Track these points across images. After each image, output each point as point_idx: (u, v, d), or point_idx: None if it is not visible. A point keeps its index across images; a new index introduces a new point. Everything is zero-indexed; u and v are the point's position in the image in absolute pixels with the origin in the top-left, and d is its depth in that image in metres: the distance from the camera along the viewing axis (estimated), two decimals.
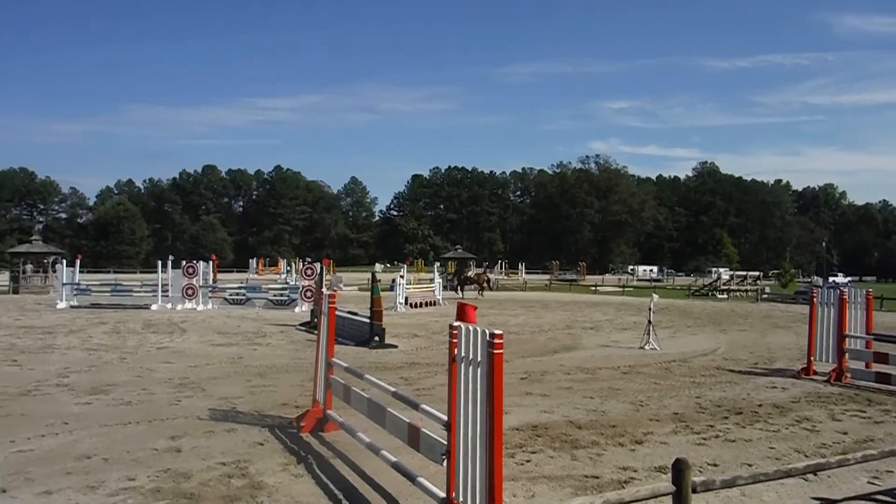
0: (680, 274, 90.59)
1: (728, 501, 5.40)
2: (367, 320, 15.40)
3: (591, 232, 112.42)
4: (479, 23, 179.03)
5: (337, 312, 7.96)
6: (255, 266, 67.78)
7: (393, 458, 5.50)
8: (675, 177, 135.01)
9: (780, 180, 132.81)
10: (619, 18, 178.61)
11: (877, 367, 10.86)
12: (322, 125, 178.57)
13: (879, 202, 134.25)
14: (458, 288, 35.48)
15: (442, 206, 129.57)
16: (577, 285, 55.36)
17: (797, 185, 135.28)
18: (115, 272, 70.35)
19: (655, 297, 16.61)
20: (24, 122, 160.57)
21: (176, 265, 26.14)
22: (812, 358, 11.68)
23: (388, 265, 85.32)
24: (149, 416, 7.96)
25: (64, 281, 26.62)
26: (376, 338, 14.95)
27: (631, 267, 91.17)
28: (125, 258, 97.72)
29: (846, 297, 11.43)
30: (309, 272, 25.31)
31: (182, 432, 7.24)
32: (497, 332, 4.11)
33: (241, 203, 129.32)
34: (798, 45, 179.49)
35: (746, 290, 44.17)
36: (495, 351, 4.07)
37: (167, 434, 7.16)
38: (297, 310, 24.12)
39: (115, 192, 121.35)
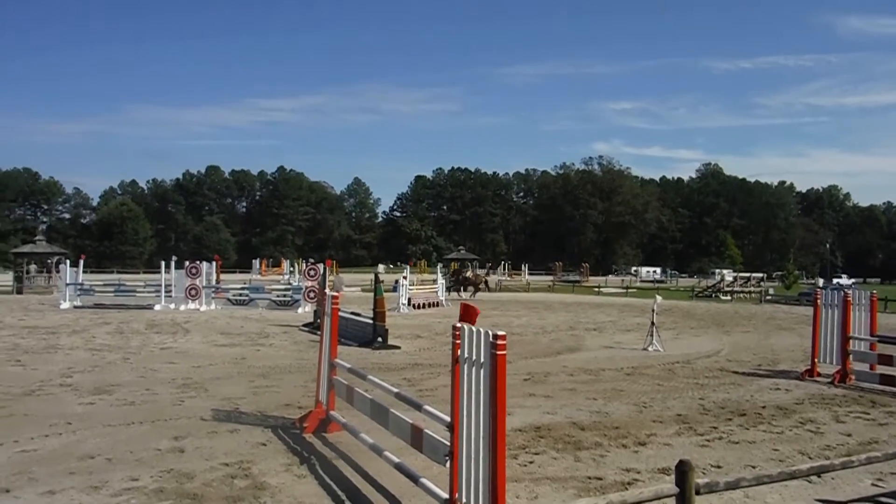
0: (683, 275, 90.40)
1: (731, 503, 5.39)
2: (370, 321, 15.41)
3: (595, 233, 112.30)
4: (479, 23, 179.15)
5: (340, 313, 7.96)
6: (258, 267, 67.85)
7: (396, 459, 5.50)
8: (679, 178, 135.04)
9: (783, 182, 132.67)
10: (622, 20, 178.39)
11: (881, 369, 10.84)
12: (324, 126, 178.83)
13: (884, 204, 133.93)
14: (457, 289, 35.41)
15: (445, 207, 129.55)
16: (581, 286, 55.31)
17: (801, 187, 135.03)
18: (119, 272, 70.50)
19: (659, 298, 16.60)
20: (24, 123, 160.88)
21: (179, 266, 26.15)
22: (816, 360, 11.66)
23: (391, 266, 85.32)
24: (152, 417, 7.97)
25: (67, 281, 26.65)
26: (379, 339, 14.96)
27: (634, 268, 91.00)
28: (128, 258, 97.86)
29: (850, 298, 11.40)
30: (312, 273, 25.33)
31: (185, 433, 7.25)
32: (500, 333, 4.11)
33: (244, 204, 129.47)
34: (801, 46, 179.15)
35: (750, 292, 44.09)
36: (498, 352, 4.06)
37: (170, 434, 7.17)
38: (300, 310, 24.14)
39: (119, 192, 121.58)
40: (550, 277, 66.38)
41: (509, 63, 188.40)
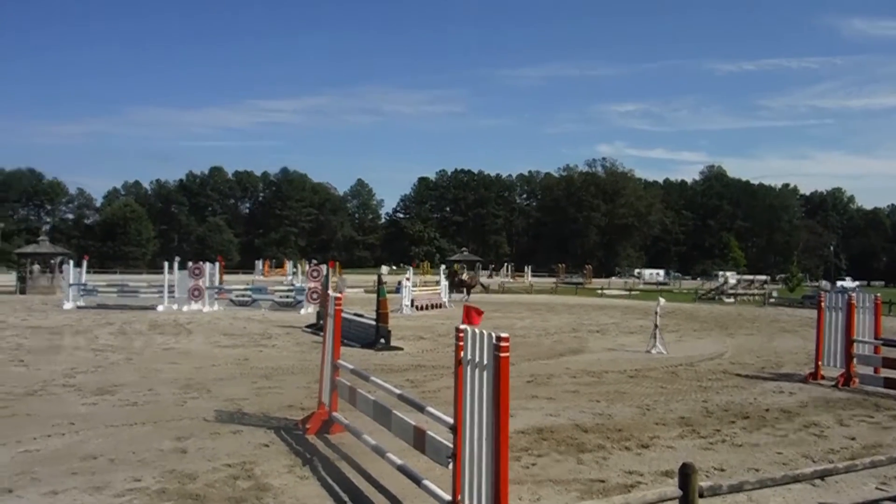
0: (686, 277, 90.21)
1: None
2: (373, 322, 15.41)
3: (598, 235, 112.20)
4: (480, 25, 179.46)
5: (343, 314, 7.96)
6: (261, 267, 67.80)
7: (399, 461, 5.49)
8: (682, 180, 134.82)
9: (787, 184, 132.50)
10: (624, 21, 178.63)
11: (885, 373, 10.81)
12: (326, 127, 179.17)
13: (888, 206, 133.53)
14: (451, 291, 35.41)
15: (448, 209, 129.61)
16: (584, 288, 55.25)
17: (805, 189, 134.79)
18: (122, 273, 70.63)
19: (662, 300, 16.58)
20: (27, 124, 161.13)
21: (182, 266, 26.17)
22: (820, 363, 11.62)
23: (394, 268, 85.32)
24: (155, 417, 7.97)
25: (70, 281, 26.70)
26: (382, 340, 14.96)
27: (637, 270, 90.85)
28: (132, 259, 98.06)
29: (854, 301, 11.36)
30: (315, 274, 25.35)
31: (188, 433, 7.25)
32: (503, 335, 4.10)
33: (247, 205, 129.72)
34: (806, 48, 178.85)
35: (753, 294, 43.98)
36: (502, 354, 4.06)
37: (173, 435, 7.17)
38: (302, 311, 24.15)
39: (122, 193, 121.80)
40: (553, 279, 66.30)
41: (511, 65, 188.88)
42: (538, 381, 11.09)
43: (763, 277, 59.94)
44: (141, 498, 5.31)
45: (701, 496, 3.64)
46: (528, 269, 76.85)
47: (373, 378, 6.65)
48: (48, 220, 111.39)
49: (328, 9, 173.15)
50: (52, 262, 37.83)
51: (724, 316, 27.92)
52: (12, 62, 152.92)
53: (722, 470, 6.37)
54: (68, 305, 25.71)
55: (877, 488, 5.89)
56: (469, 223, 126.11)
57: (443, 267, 38.88)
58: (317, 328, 17.76)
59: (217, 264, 27.63)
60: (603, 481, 5.95)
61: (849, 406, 9.57)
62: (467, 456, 4.37)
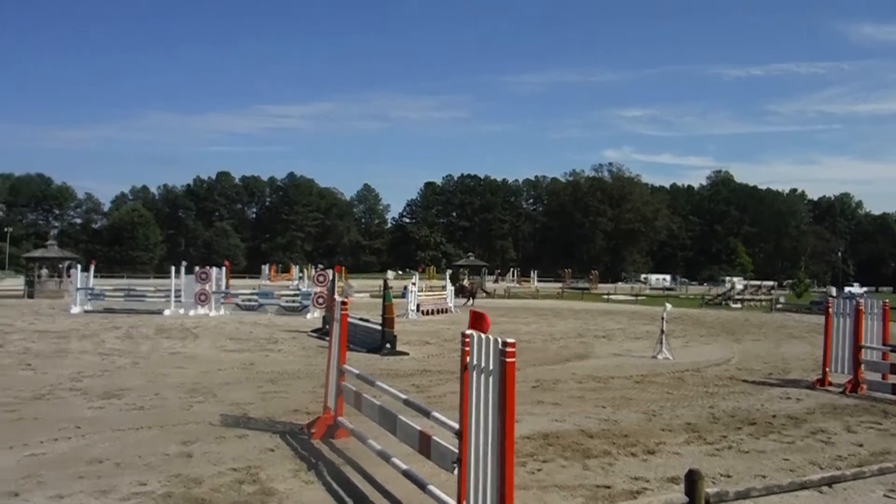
0: (693, 283, 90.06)
1: None
2: (379, 327, 15.40)
3: (604, 240, 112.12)
4: (486, 31, 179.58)
5: (349, 319, 7.96)
6: (267, 272, 67.95)
7: (404, 466, 5.49)
8: (689, 185, 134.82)
9: (795, 189, 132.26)
10: (630, 27, 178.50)
11: (893, 379, 10.73)
12: (333, 132, 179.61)
13: None
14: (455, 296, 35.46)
15: (454, 214, 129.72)
16: (590, 294, 55.19)
17: (812, 195, 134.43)
18: (129, 277, 70.77)
19: (668, 305, 16.52)
20: (34, 129, 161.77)
21: (189, 271, 26.25)
22: (827, 369, 11.57)
23: (401, 272, 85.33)
24: (161, 421, 7.99)
25: (78, 286, 26.80)
26: (388, 345, 14.96)
27: (644, 275, 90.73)
28: (139, 263, 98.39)
29: (862, 307, 11.31)
30: (321, 279, 25.38)
31: (194, 437, 7.27)
32: (510, 340, 4.09)
33: (254, 209, 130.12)
34: (814, 53, 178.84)
35: (760, 300, 43.87)
36: (508, 360, 4.04)
37: (179, 439, 7.18)
38: (308, 316, 24.18)
39: (130, 197, 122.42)
40: (559, 284, 66.19)
41: (515, 71, 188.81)
42: (544, 387, 11.07)
43: (770, 283, 59.86)
44: (146, 502, 5.32)
45: (707, 503, 3.62)
46: (534, 274, 76.84)
47: (378, 383, 6.65)
48: (56, 224, 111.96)
49: (335, 15, 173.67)
50: (60, 266, 38.04)
51: (731, 321, 27.83)
52: (22, 67, 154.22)
53: (728, 476, 6.34)
54: (76, 309, 25.80)
55: (885, 495, 5.85)
56: (475, 228, 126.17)
57: (448, 272, 38.91)
58: (322, 333, 17.77)
59: (224, 269, 27.70)
60: (609, 487, 5.92)
61: (856, 412, 9.51)
62: (473, 461, 4.36)
